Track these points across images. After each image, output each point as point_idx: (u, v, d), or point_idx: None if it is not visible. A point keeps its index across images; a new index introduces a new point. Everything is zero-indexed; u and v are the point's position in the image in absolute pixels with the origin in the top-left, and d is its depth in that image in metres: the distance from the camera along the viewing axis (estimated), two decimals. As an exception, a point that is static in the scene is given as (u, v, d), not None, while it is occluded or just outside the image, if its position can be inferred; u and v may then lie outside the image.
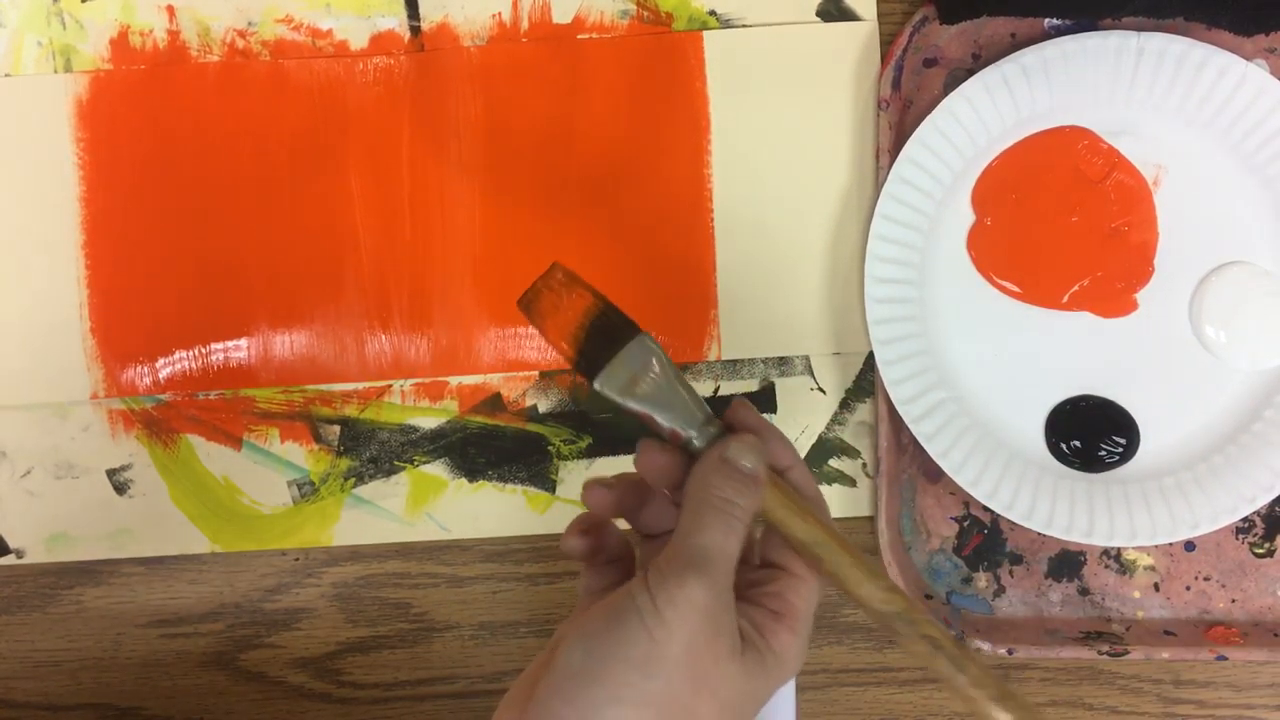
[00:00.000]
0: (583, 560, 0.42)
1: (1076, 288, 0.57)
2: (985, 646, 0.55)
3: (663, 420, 0.40)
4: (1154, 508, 0.56)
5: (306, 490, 0.59)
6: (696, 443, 0.40)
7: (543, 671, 0.37)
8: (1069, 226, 0.57)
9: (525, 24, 0.58)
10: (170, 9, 0.59)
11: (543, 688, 0.36)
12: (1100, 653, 0.55)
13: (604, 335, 0.40)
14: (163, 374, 0.59)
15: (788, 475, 0.41)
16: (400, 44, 0.59)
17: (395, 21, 0.58)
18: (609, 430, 0.59)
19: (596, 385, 0.40)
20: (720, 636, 0.37)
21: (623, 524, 0.43)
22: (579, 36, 0.58)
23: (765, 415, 0.58)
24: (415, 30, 0.58)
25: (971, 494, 0.56)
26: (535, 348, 0.58)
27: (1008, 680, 0.59)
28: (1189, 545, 0.58)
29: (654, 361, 0.40)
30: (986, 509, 0.58)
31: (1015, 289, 0.57)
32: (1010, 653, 0.55)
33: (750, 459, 0.39)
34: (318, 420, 0.59)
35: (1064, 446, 0.57)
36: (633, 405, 0.40)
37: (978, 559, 0.58)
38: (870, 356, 0.58)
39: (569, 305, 0.40)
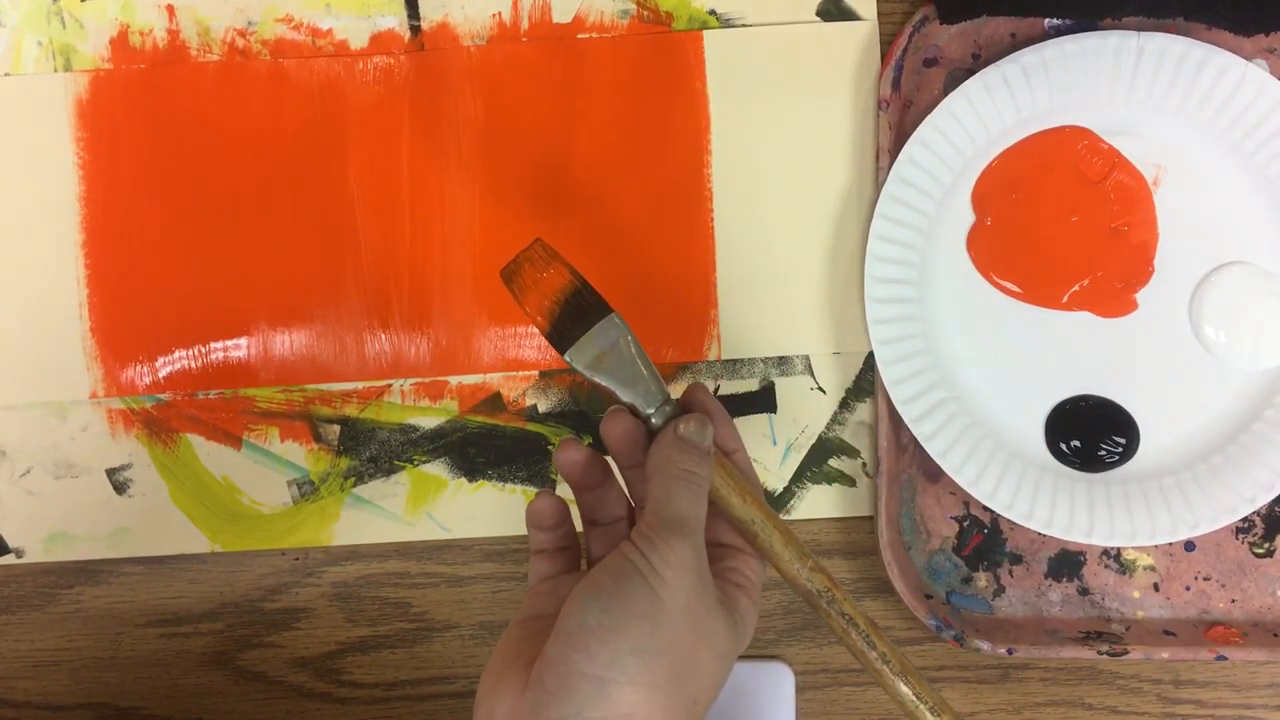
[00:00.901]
0: (548, 528, 0.45)
1: (1076, 288, 0.57)
2: (985, 646, 0.55)
3: (625, 396, 0.44)
4: (1154, 508, 0.56)
5: (306, 490, 0.59)
6: (655, 419, 0.44)
7: (517, 652, 0.40)
8: (1069, 226, 0.57)
9: (525, 24, 0.58)
10: (170, 9, 0.59)
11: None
12: (1100, 653, 0.55)
13: (577, 311, 0.44)
14: (163, 373, 0.59)
15: (733, 458, 0.45)
16: (400, 44, 0.59)
17: (395, 21, 0.58)
18: (609, 430, 0.59)
19: (566, 358, 0.43)
20: (707, 591, 0.41)
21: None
22: (579, 36, 0.58)
23: (765, 415, 0.58)
24: (415, 30, 0.58)
25: (971, 494, 0.56)
26: (535, 347, 0.58)
27: (1006, 679, 0.59)
28: (1189, 545, 0.58)
29: (620, 340, 0.44)
30: (986, 509, 0.58)
31: (1015, 289, 0.57)
32: (1010, 653, 0.55)
33: (701, 435, 0.43)
34: (318, 420, 0.59)
35: (1064, 446, 0.57)
36: (599, 379, 0.44)
37: (978, 559, 0.58)
38: (870, 356, 0.58)
39: (547, 280, 0.44)
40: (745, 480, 0.44)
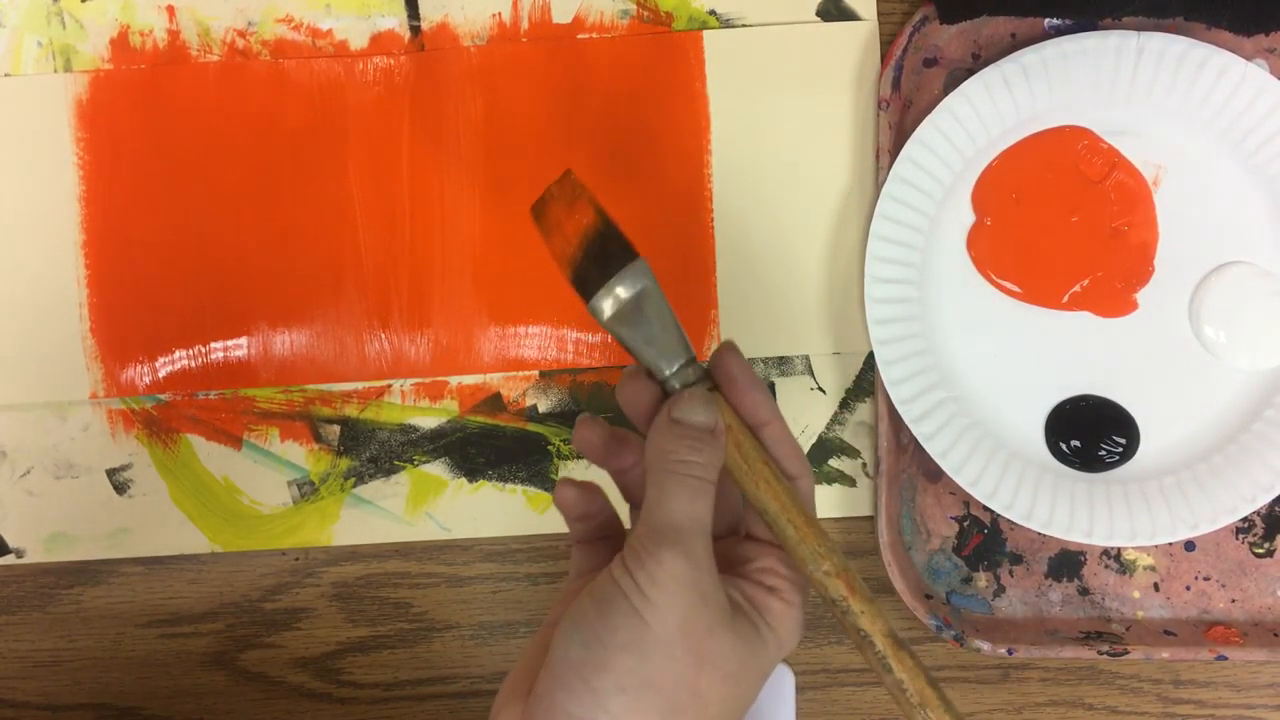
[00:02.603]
0: (576, 518, 0.41)
1: (1076, 288, 0.57)
2: (985, 646, 0.55)
3: (645, 351, 0.39)
4: (1154, 508, 0.56)
5: (306, 490, 0.59)
6: (674, 383, 0.39)
7: (538, 663, 0.37)
8: (1069, 226, 0.57)
9: (525, 24, 0.58)
10: (170, 9, 0.59)
11: (543, 682, 0.36)
12: (1100, 653, 0.55)
13: (602, 255, 0.39)
14: (163, 374, 0.59)
15: (761, 432, 0.39)
16: (400, 44, 0.59)
17: (395, 21, 0.58)
18: (609, 430, 0.59)
19: (590, 304, 0.39)
20: (708, 606, 0.36)
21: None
22: (579, 36, 0.58)
23: (765, 415, 0.58)
24: (415, 30, 0.58)
25: (971, 494, 0.56)
26: (535, 347, 0.58)
27: (1006, 679, 0.59)
28: (1189, 545, 0.58)
29: (644, 290, 0.39)
30: (986, 509, 0.58)
31: (1015, 289, 0.57)
32: (1010, 653, 0.55)
33: (701, 414, 0.37)
34: (318, 420, 0.59)
35: (1064, 446, 0.57)
36: (620, 330, 0.39)
37: (978, 559, 0.58)
38: (870, 356, 0.58)
39: (574, 219, 0.39)
40: (764, 461, 0.39)
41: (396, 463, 0.59)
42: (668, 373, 0.39)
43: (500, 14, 0.58)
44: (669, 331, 0.39)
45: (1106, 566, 0.58)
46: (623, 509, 0.43)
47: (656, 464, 0.37)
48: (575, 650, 0.35)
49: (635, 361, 0.40)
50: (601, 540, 0.41)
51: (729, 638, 0.36)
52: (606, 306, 0.39)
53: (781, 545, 0.39)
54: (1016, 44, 0.57)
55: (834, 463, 0.59)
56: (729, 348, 0.39)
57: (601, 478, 0.43)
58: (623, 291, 0.39)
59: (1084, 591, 0.58)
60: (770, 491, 0.38)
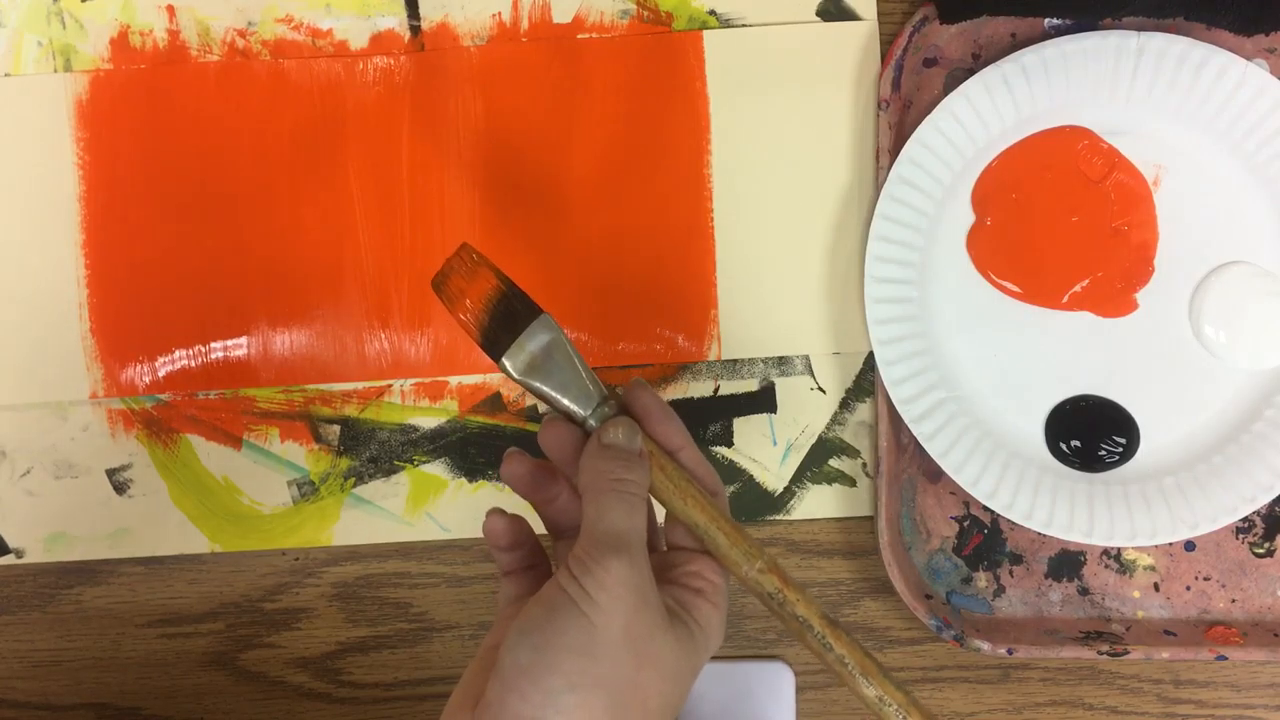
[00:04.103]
0: (504, 549, 0.43)
1: (1076, 288, 0.57)
2: (985, 646, 0.55)
3: (561, 399, 0.42)
4: (1154, 508, 0.56)
5: (306, 490, 0.59)
6: (592, 421, 0.42)
7: (482, 678, 0.38)
8: (1069, 226, 0.57)
9: (525, 24, 0.58)
10: (170, 9, 0.59)
11: (492, 689, 0.37)
12: (1100, 653, 0.55)
13: (507, 317, 0.42)
14: (162, 373, 0.59)
15: (678, 456, 0.42)
16: (400, 44, 0.59)
17: (395, 21, 0.58)
18: (609, 430, 0.59)
19: (502, 364, 0.42)
20: (650, 609, 0.38)
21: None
22: (579, 36, 0.58)
23: (765, 415, 0.58)
24: (415, 30, 0.58)
25: (971, 494, 0.56)
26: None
27: (1006, 679, 0.59)
28: (1189, 545, 0.58)
29: (552, 342, 0.42)
30: (986, 509, 0.58)
31: (1015, 289, 0.57)
32: (1010, 653, 0.55)
33: (626, 437, 0.41)
34: (318, 420, 0.59)
35: (1064, 446, 0.57)
36: (534, 384, 0.42)
37: (978, 559, 0.58)
38: (870, 356, 0.58)
39: (476, 287, 0.42)
40: (687, 480, 0.42)
41: (396, 463, 0.59)
42: (585, 413, 0.42)
43: (500, 14, 0.58)
44: (581, 376, 0.42)
45: (1106, 566, 0.58)
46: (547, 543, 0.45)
47: (593, 484, 0.40)
48: (525, 654, 0.37)
49: (552, 409, 0.43)
50: (528, 570, 0.44)
51: (668, 639, 0.39)
52: (519, 363, 0.42)
53: (710, 553, 0.42)
54: (1016, 44, 0.57)
55: (834, 463, 0.59)
56: (639, 384, 0.43)
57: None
58: (532, 346, 0.42)
59: (1084, 591, 0.58)
60: (697, 505, 0.42)
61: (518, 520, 0.43)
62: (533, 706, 0.36)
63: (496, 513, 0.43)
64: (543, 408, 0.59)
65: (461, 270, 0.42)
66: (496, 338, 0.42)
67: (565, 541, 0.44)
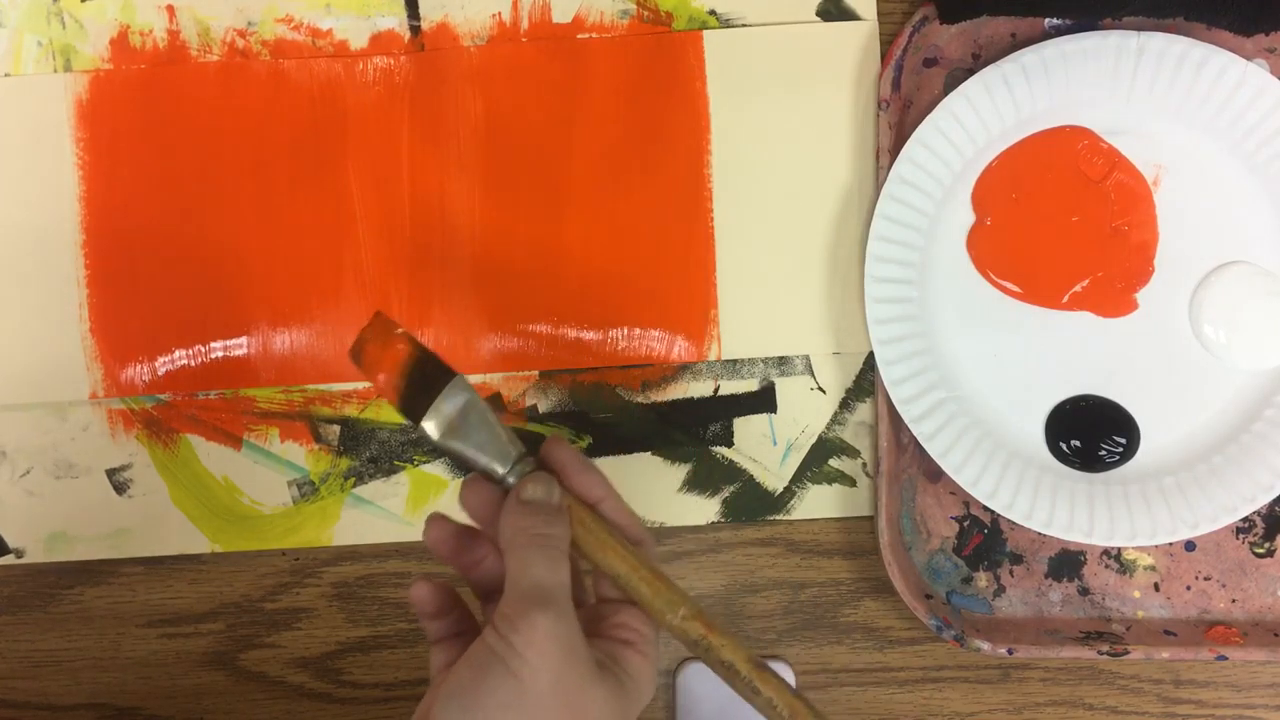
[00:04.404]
0: (431, 617, 0.43)
1: (1077, 288, 0.57)
2: (985, 646, 0.55)
3: (479, 458, 0.42)
4: (1154, 508, 0.56)
5: (306, 490, 0.59)
6: (510, 479, 0.42)
7: None
8: (1069, 226, 0.57)
9: (525, 24, 0.58)
10: (170, 9, 0.59)
11: None
12: (1100, 653, 0.55)
13: (423, 380, 0.42)
14: (162, 374, 0.59)
15: (600, 508, 0.42)
16: (400, 44, 0.59)
17: (395, 21, 0.58)
18: (609, 430, 0.59)
19: (421, 427, 0.42)
20: (580, 661, 0.38)
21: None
22: (579, 36, 0.58)
23: (765, 415, 0.58)
24: (415, 30, 0.58)
25: (971, 494, 0.56)
26: (535, 347, 0.58)
27: (1006, 679, 0.59)
28: (1189, 545, 0.58)
29: (468, 403, 0.42)
30: (986, 509, 0.58)
31: (1015, 289, 0.57)
32: (1010, 653, 0.55)
33: (544, 492, 0.41)
34: (318, 420, 0.59)
35: (1064, 446, 0.57)
36: (453, 445, 0.42)
37: (978, 559, 0.58)
38: (870, 356, 0.58)
39: (390, 354, 0.43)
40: (607, 531, 0.42)
41: (396, 463, 0.59)
42: (503, 471, 0.42)
43: (500, 14, 0.58)
44: (497, 435, 0.42)
45: (1106, 566, 0.58)
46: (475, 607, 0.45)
47: (514, 540, 0.40)
48: (454, 716, 0.37)
49: (471, 470, 0.43)
50: (457, 637, 0.43)
51: (599, 691, 0.39)
52: (437, 424, 0.42)
53: (635, 602, 0.42)
54: (1016, 44, 0.57)
55: (834, 463, 0.59)
56: (556, 440, 0.43)
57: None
58: (448, 408, 0.42)
59: (1084, 591, 0.58)
60: (618, 556, 0.42)
61: (444, 587, 0.43)
62: None
63: (423, 580, 0.43)
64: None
65: (376, 339, 0.43)
66: (414, 402, 0.42)
67: (493, 604, 0.44)
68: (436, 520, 0.43)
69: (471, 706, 0.37)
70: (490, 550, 0.43)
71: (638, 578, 0.42)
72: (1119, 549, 0.58)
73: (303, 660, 0.60)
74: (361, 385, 0.59)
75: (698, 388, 0.58)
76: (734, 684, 0.41)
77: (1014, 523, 0.57)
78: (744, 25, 0.58)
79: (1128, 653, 0.55)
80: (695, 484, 0.59)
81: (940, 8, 0.56)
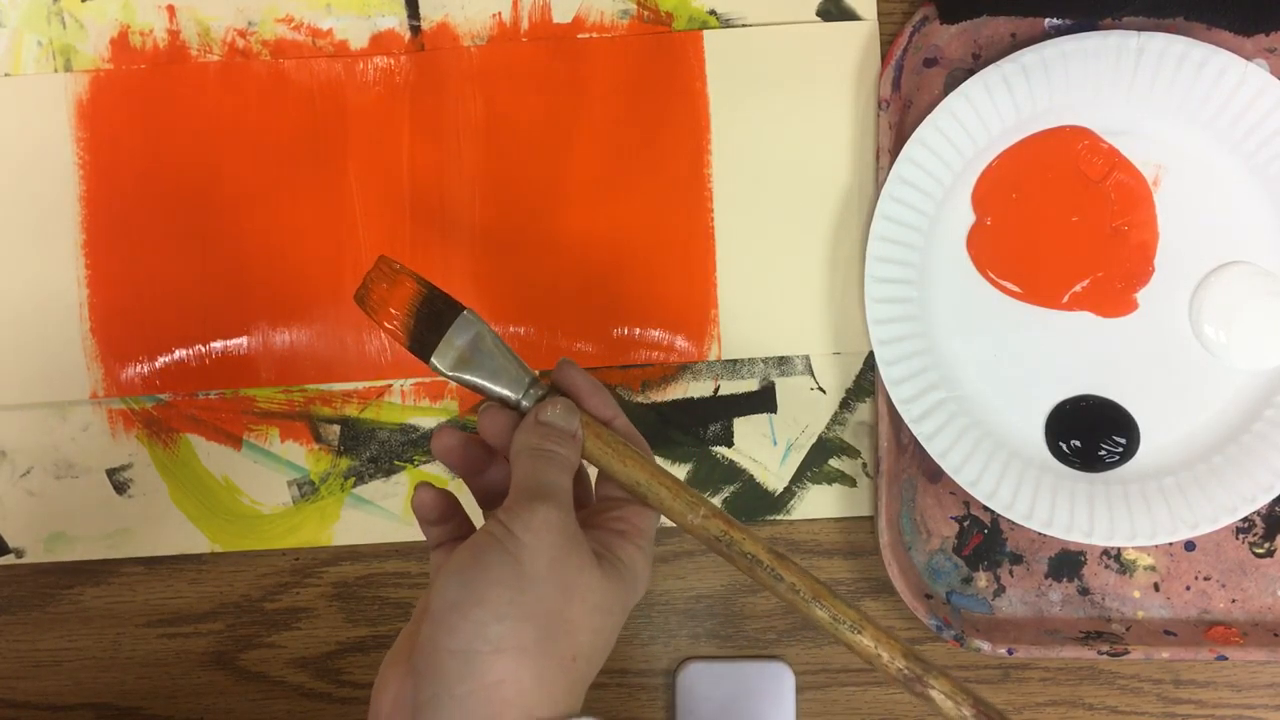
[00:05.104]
0: (433, 522, 0.44)
1: (1077, 288, 0.57)
2: (985, 646, 0.55)
3: (494, 387, 0.43)
4: (1154, 508, 0.56)
5: (306, 490, 0.59)
6: (525, 403, 0.44)
7: (414, 639, 0.39)
8: (1069, 226, 0.57)
9: (525, 24, 0.58)
10: (170, 9, 0.59)
11: (424, 631, 0.39)
12: (1100, 653, 0.55)
13: (431, 317, 0.44)
14: (163, 374, 0.59)
15: (612, 425, 0.45)
16: (400, 44, 0.59)
17: (395, 21, 0.58)
18: (609, 430, 0.59)
19: (431, 363, 0.43)
20: (577, 548, 0.40)
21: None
22: (579, 36, 0.58)
23: (765, 415, 0.58)
24: (415, 30, 0.58)
25: (971, 494, 0.56)
26: (535, 347, 0.58)
27: (1006, 679, 0.59)
28: (1189, 545, 0.58)
29: (477, 335, 0.44)
30: (986, 509, 0.58)
31: (1015, 289, 0.57)
32: (1010, 653, 0.55)
33: (564, 417, 0.43)
34: (318, 420, 0.59)
35: (1064, 446, 0.57)
36: (465, 377, 0.43)
37: (978, 559, 0.58)
38: (870, 356, 0.58)
39: (397, 294, 0.44)
40: (624, 443, 0.44)
41: (396, 463, 0.59)
42: (518, 396, 0.44)
43: (500, 14, 0.58)
44: (510, 362, 0.44)
45: (1106, 566, 0.58)
46: (476, 516, 0.46)
47: (524, 451, 0.42)
48: (453, 591, 0.38)
49: (485, 398, 0.44)
50: (456, 541, 0.44)
51: (596, 574, 0.40)
52: (448, 359, 0.43)
53: (646, 504, 0.44)
54: (1016, 44, 0.57)
55: (834, 463, 0.59)
56: (567, 364, 0.45)
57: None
58: (459, 341, 0.43)
59: (1084, 591, 0.58)
60: (637, 464, 0.43)
61: (446, 494, 0.44)
62: (463, 639, 0.38)
63: (425, 486, 0.44)
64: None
65: (382, 280, 0.44)
66: (424, 339, 0.43)
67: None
68: (445, 429, 0.44)
69: (470, 581, 0.38)
70: (496, 460, 0.45)
71: (657, 482, 0.43)
72: (1119, 549, 0.58)
73: (303, 660, 0.60)
74: (362, 385, 0.59)
75: (698, 388, 0.58)
76: (756, 574, 0.43)
77: (1014, 523, 0.57)
78: (744, 25, 0.58)
79: (1128, 653, 0.55)
80: (695, 484, 0.59)
81: (940, 8, 0.56)
